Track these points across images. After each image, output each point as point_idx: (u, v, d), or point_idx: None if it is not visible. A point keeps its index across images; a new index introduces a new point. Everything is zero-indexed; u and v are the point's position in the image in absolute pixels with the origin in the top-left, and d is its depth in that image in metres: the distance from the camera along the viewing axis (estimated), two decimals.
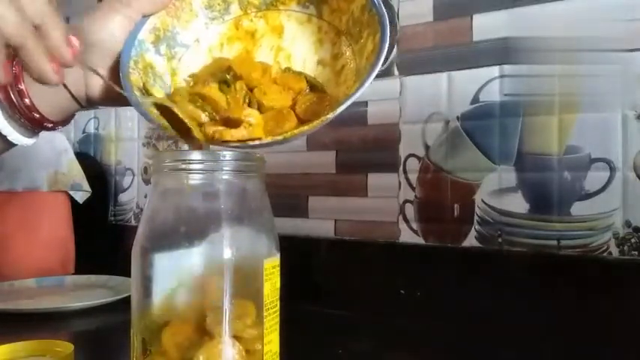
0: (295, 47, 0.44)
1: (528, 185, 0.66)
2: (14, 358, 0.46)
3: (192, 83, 0.43)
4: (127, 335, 0.35)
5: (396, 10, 0.76)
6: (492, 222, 0.68)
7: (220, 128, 0.37)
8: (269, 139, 0.36)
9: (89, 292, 0.79)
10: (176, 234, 0.34)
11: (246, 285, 0.34)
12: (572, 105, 0.63)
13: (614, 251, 0.61)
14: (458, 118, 0.70)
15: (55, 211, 0.93)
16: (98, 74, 0.40)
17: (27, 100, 0.41)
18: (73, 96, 0.42)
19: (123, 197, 1.06)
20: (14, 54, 0.35)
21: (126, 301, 0.37)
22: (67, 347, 0.46)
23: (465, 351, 0.58)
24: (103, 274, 0.86)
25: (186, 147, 0.39)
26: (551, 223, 0.64)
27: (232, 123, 0.37)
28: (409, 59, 0.74)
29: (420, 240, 0.73)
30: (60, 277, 0.88)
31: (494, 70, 0.68)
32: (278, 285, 0.36)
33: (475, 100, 0.69)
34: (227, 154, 0.34)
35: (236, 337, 0.33)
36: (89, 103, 0.44)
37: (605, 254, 0.61)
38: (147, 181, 1.03)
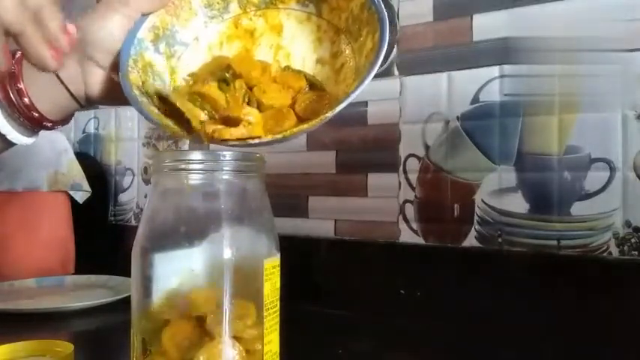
0: (295, 46, 0.44)
1: (528, 185, 0.66)
2: (14, 358, 0.46)
3: (191, 82, 0.43)
4: (127, 335, 0.35)
5: (396, 10, 0.76)
6: (492, 222, 0.68)
7: (220, 127, 0.37)
8: (268, 138, 0.36)
9: (89, 292, 0.79)
10: (176, 234, 0.34)
11: (246, 285, 0.34)
12: (572, 105, 0.63)
13: (614, 251, 0.61)
14: (458, 118, 0.70)
15: (55, 211, 0.93)
16: (97, 64, 0.40)
17: (26, 100, 0.41)
18: (72, 95, 0.42)
19: (123, 197, 1.06)
20: (17, 54, 0.35)
21: (126, 301, 0.37)
22: (67, 347, 0.46)
23: (465, 351, 0.58)
24: (103, 274, 0.86)
25: (186, 147, 0.39)
26: (551, 223, 0.64)
27: (232, 122, 0.37)
28: (409, 59, 0.74)
29: (420, 240, 0.73)
30: (60, 277, 0.88)
31: (494, 70, 0.68)
32: (278, 285, 0.36)
33: (475, 100, 0.69)
34: (227, 154, 0.34)
35: (236, 338, 0.33)
36: (88, 102, 0.44)
37: (605, 254, 0.61)
38: (147, 181, 1.03)
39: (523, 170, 0.66)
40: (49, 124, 0.43)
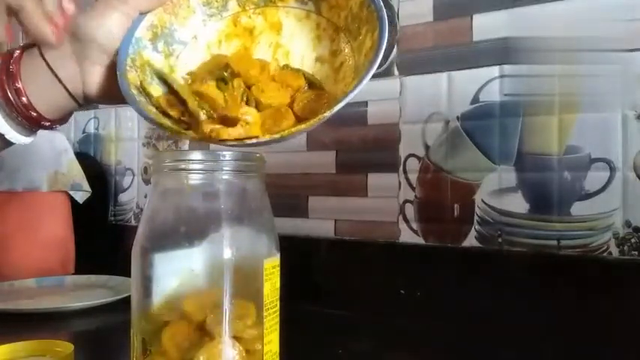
0: (294, 44, 0.44)
1: (528, 185, 0.66)
2: (14, 358, 0.46)
3: (190, 81, 0.43)
4: (127, 335, 0.35)
5: (396, 10, 0.76)
6: (492, 222, 0.68)
7: (217, 127, 0.37)
8: (266, 138, 0.36)
9: (89, 292, 0.79)
10: (176, 234, 0.34)
11: (246, 285, 0.34)
12: (572, 105, 0.63)
13: (614, 251, 0.61)
14: (458, 118, 0.70)
15: (55, 211, 0.93)
16: (96, 62, 0.41)
17: (24, 99, 0.41)
18: (70, 94, 0.42)
19: (123, 197, 1.06)
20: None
21: (126, 301, 0.37)
22: (67, 347, 0.46)
23: (465, 351, 0.58)
24: (103, 274, 0.86)
25: (186, 147, 0.39)
26: (551, 223, 0.64)
27: (229, 121, 0.36)
28: (409, 59, 0.74)
29: (420, 240, 0.73)
30: (60, 277, 0.88)
31: (494, 70, 0.68)
32: (278, 285, 0.36)
33: (475, 100, 0.69)
34: (227, 154, 0.34)
35: (236, 338, 0.33)
36: (86, 101, 0.44)
37: (605, 254, 0.61)
38: (147, 181, 1.03)
39: (523, 170, 0.66)
40: (48, 124, 0.43)
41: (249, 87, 0.40)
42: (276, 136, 0.36)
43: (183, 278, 0.33)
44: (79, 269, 0.93)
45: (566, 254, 0.63)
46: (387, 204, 0.75)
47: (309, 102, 0.39)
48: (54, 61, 0.41)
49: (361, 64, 0.39)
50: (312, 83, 0.41)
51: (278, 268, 0.36)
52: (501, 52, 0.68)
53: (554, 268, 0.62)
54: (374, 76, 0.36)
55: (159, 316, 0.33)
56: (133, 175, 1.05)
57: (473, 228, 0.69)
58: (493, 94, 0.68)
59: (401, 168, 0.74)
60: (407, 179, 0.74)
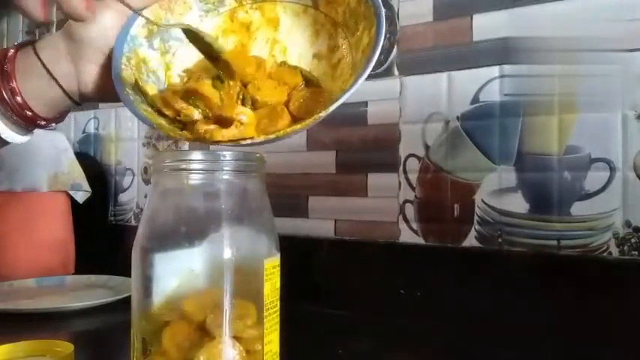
0: (291, 40, 0.44)
1: (528, 185, 0.66)
2: (14, 358, 0.46)
3: (185, 79, 0.42)
4: (127, 335, 0.35)
5: (396, 10, 0.76)
6: (492, 222, 0.68)
7: (212, 127, 0.36)
8: (261, 139, 0.36)
9: (89, 292, 0.79)
10: (176, 234, 0.34)
11: (247, 285, 0.34)
12: (572, 105, 0.63)
13: (614, 251, 0.61)
14: (458, 118, 0.70)
15: (55, 212, 0.93)
16: (91, 61, 0.41)
17: (19, 98, 0.41)
18: (65, 92, 0.42)
19: (123, 197, 1.06)
20: None
21: (126, 301, 0.37)
22: (67, 347, 0.46)
23: (465, 351, 0.58)
24: (103, 274, 0.86)
25: (186, 147, 0.39)
26: (551, 223, 0.64)
27: (224, 121, 0.36)
28: (409, 59, 0.74)
29: (420, 240, 0.73)
30: (60, 277, 0.88)
31: (494, 70, 0.68)
32: (278, 285, 0.36)
33: (475, 100, 0.69)
34: (227, 154, 0.34)
35: (236, 338, 0.33)
36: (82, 100, 0.44)
37: (605, 254, 0.61)
38: (147, 181, 1.03)
39: (523, 170, 0.66)
40: (43, 123, 0.43)
41: (245, 85, 0.40)
42: (271, 136, 0.36)
43: (184, 278, 0.33)
44: (79, 269, 0.93)
45: (566, 254, 0.63)
46: (387, 204, 0.75)
47: (305, 101, 0.39)
48: (49, 60, 0.41)
49: (358, 61, 0.38)
50: (309, 80, 0.41)
51: (278, 268, 0.36)
52: (501, 52, 0.68)
53: (554, 268, 0.62)
54: (374, 76, 0.36)
55: (159, 316, 0.33)
56: (133, 175, 1.05)
57: (473, 228, 0.69)
58: (493, 94, 0.68)
59: (401, 168, 0.74)
60: (407, 179, 0.74)
